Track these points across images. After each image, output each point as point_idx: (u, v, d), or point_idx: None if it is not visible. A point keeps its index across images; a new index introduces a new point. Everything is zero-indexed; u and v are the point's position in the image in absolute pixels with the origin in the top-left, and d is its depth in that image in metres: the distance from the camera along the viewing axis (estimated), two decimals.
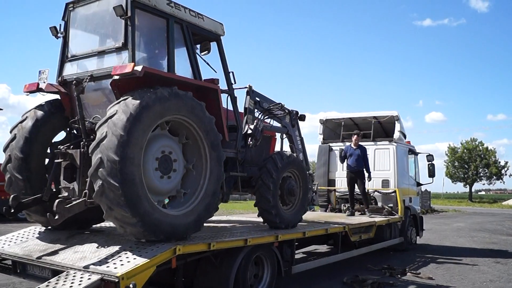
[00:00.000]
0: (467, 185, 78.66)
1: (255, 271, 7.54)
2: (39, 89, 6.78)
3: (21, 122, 6.81)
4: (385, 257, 12.55)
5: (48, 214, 5.93)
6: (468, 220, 29.60)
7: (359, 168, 12.53)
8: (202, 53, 7.57)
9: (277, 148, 9.85)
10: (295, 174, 8.84)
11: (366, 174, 12.58)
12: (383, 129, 14.62)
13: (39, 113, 6.83)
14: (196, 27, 7.08)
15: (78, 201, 6.00)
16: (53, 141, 7.02)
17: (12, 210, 6.40)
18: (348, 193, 13.83)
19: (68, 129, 7.11)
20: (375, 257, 12.15)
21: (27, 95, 7.00)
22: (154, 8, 6.39)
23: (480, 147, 76.96)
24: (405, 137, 14.89)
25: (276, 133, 9.87)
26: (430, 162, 15.10)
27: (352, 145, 12.69)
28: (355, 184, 12.78)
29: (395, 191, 13.22)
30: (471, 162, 75.95)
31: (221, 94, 7.38)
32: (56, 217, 5.78)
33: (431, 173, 15.16)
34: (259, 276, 7.59)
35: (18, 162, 6.59)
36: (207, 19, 7.27)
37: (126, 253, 5.67)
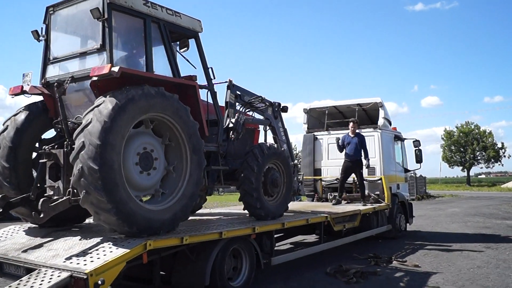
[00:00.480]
0: (465, 169, 78.68)
1: (233, 264, 7.54)
2: (23, 92, 6.97)
3: (15, 115, 7.04)
4: (373, 245, 12.49)
5: (33, 212, 6.19)
6: (464, 205, 29.56)
7: (356, 157, 12.47)
8: (182, 50, 7.83)
9: (261, 140, 9.94)
10: (278, 165, 8.96)
11: (364, 162, 12.49)
12: (368, 116, 14.54)
13: (19, 120, 6.99)
14: (174, 25, 7.21)
15: (62, 199, 6.17)
16: (42, 136, 7.25)
17: (1, 210, 6.67)
18: (337, 181, 13.87)
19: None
20: (362, 246, 12.13)
21: (12, 97, 7.22)
22: (131, 9, 6.52)
23: (476, 130, 76.88)
24: (390, 123, 14.80)
25: (260, 125, 9.96)
26: (417, 148, 15.02)
27: (350, 134, 12.62)
28: (350, 173, 12.72)
29: (381, 179, 13.17)
30: (467, 146, 75.91)
31: (202, 90, 7.61)
32: (41, 215, 5.99)
33: (419, 159, 15.08)
34: (238, 269, 7.58)
35: (7, 151, 6.82)
36: (184, 17, 7.40)
37: (97, 250, 5.73)
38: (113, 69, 5.85)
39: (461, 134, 76.43)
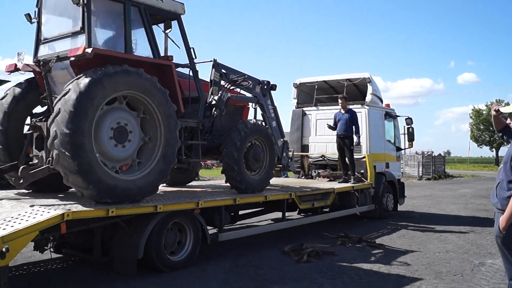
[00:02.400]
0: (493, 149, 76.82)
1: (179, 238, 7.50)
2: (16, 69, 7.65)
3: (2, 98, 7.76)
4: (353, 224, 12.35)
5: (13, 178, 7.29)
6: (478, 186, 28.87)
7: (346, 134, 12.18)
8: (167, 31, 8.26)
9: (251, 116, 10.36)
10: (261, 141, 9.38)
11: (355, 138, 12.21)
12: (360, 92, 14.12)
13: (17, 90, 7.74)
14: (155, 9, 7.71)
15: (42, 167, 6.85)
16: (33, 112, 7.93)
17: None
18: (322, 159, 13.67)
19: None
20: (342, 225, 11.99)
21: (9, 74, 7.89)
22: None
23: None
24: (381, 100, 14.37)
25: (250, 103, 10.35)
26: (409, 126, 14.52)
27: (341, 110, 12.32)
28: (344, 150, 12.42)
29: (364, 157, 12.84)
30: None
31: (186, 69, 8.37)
32: (21, 181, 6.75)
33: (411, 137, 14.58)
34: (182, 243, 7.52)
35: (1, 119, 7.55)
36: (166, 0, 7.86)
37: (18, 218, 5.74)
38: (86, 50, 6.40)
39: (490, 112, 74.29)
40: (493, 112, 5.08)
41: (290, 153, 11.07)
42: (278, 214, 11.22)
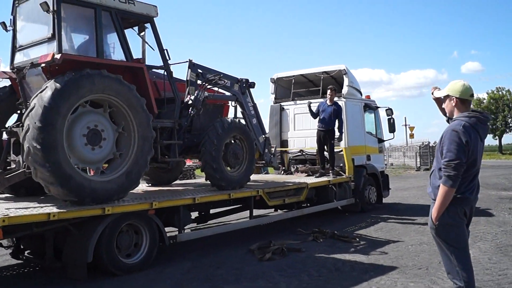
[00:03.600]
0: (496, 137, 76.21)
1: (135, 240, 7.34)
2: None
3: None
4: (332, 219, 12.15)
5: None
6: None
7: (328, 127, 11.94)
8: (141, 33, 8.41)
9: (231, 114, 10.49)
10: (239, 139, 9.54)
11: (337, 133, 12.00)
12: (339, 85, 13.85)
13: (1, 92, 7.94)
14: (126, 12, 7.78)
15: (18, 172, 7.10)
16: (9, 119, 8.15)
17: None
18: (301, 154, 13.46)
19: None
20: (321, 220, 11.81)
21: None
22: (80, 1, 7.18)
23: (508, 95, 74.01)
24: (360, 92, 14.11)
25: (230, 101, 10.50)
26: (390, 116, 14.25)
27: (328, 102, 12.06)
28: (325, 143, 12.20)
29: (341, 150, 12.61)
30: (498, 113, 73.16)
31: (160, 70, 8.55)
32: None
33: (392, 128, 14.34)
34: (138, 245, 7.35)
35: None
36: (138, 3, 7.95)
37: None
38: (55, 56, 6.57)
39: (491, 100, 73.69)
40: (432, 97, 4.83)
41: (272, 149, 11.05)
42: (258, 212, 11.17)
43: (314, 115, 12.18)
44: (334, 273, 7.12)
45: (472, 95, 4.38)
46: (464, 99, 4.36)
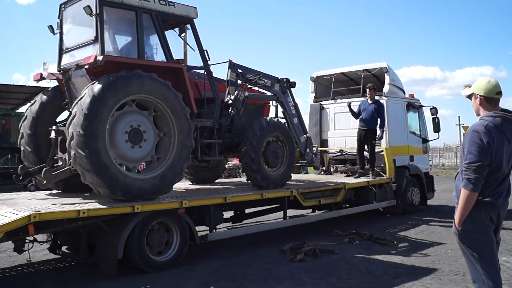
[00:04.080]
0: None
1: (166, 238, 7.41)
2: (42, 78, 8.18)
3: (31, 105, 8.34)
4: (373, 220, 11.94)
5: (37, 180, 7.95)
6: None
7: (369, 126, 11.74)
8: (181, 35, 8.67)
9: (272, 114, 10.61)
10: (279, 138, 9.57)
11: (378, 132, 11.80)
12: (380, 83, 13.52)
13: (44, 97, 8.30)
14: (167, 15, 8.01)
15: (63, 169, 7.25)
16: (57, 119, 8.45)
17: (21, 178, 8.15)
18: (341, 153, 13.27)
19: None
20: (359, 221, 11.60)
21: (36, 82, 8.64)
22: (122, 4, 7.39)
23: None
24: (403, 90, 13.77)
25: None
26: (434, 116, 13.82)
27: (368, 100, 11.87)
28: (365, 142, 11.98)
29: (382, 150, 12.34)
30: None
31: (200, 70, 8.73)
32: (44, 182, 7.16)
33: (436, 128, 13.92)
34: (169, 243, 7.41)
35: (28, 137, 8.14)
36: (178, 5, 8.15)
37: None
38: (98, 58, 6.78)
39: None
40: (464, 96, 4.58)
41: (314, 149, 11.02)
42: (296, 212, 11.18)
43: (356, 115, 11.97)
44: (365, 276, 6.96)
45: (499, 93, 4.10)
46: (489, 98, 4.11)
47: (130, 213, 6.77)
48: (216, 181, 11.27)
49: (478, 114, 4.26)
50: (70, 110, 7.00)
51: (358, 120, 11.96)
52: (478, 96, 4.16)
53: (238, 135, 9.33)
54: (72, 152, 6.53)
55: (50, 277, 7.10)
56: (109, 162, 6.65)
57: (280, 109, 10.52)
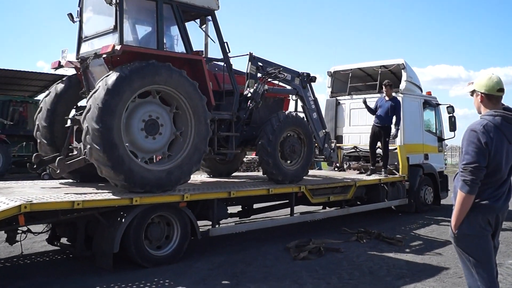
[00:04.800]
0: None
1: (167, 232, 7.27)
2: (60, 66, 8.16)
3: (46, 96, 8.30)
4: (384, 218, 11.72)
5: (50, 169, 8.10)
6: None
7: (383, 123, 11.51)
8: (202, 26, 8.61)
9: (291, 108, 10.51)
10: (297, 133, 9.51)
11: (393, 130, 11.56)
12: (398, 79, 13.25)
13: (59, 88, 8.25)
14: (188, 6, 7.93)
15: (78, 158, 7.25)
16: (76, 106, 8.45)
17: (35, 166, 8.12)
18: (355, 150, 13.07)
19: None
20: (370, 219, 11.47)
21: (54, 70, 8.50)
22: None
23: None
24: (420, 88, 13.48)
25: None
26: (451, 114, 13.50)
27: (385, 97, 11.64)
28: (378, 139, 11.77)
29: (396, 148, 12.07)
30: None
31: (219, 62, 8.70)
32: (58, 171, 7.18)
33: (453, 127, 13.59)
34: (170, 237, 7.28)
35: (44, 129, 8.14)
36: None
37: None
38: (116, 47, 6.74)
39: None
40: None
41: (333, 144, 10.92)
42: (307, 208, 11.14)
43: (372, 111, 11.74)
44: (367, 277, 6.77)
45: (500, 90, 3.88)
46: (490, 95, 3.90)
47: (128, 205, 6.64)
48: (234, 174, 11.23)
49: (479, 112, 4.06)
50: (86, 102, 6.94)
51: (374, 116, 11.71)
52: (479, 93, 3.97)
53: (256, 128, 9.27)
54: (88, 146, 6.51)
55: (44, 269, 6.97)
56: (126, 156, 6.64)
57: (299, 103, 10.43)
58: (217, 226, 8.07)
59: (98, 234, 6.82)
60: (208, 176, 10.80)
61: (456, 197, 3.90)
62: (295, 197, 9.26)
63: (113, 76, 6.60)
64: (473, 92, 4.05)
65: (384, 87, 11.55)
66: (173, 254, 7.20)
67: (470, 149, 3.74)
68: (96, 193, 6.84)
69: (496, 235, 4.06)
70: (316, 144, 10.31)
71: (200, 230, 7.65)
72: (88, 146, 6.49)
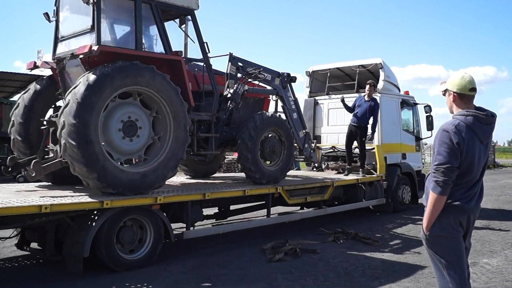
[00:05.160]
0: None
1: (139, 236, 7.14)
2: (36, 66, 7.98)
3: (24, 93, 8.12)
4: (361, 218, 11.70)
5: (26, 171, 7.84)
6: None
7: (360, 123, 11.40)
8: (182, 26, 8.52)
9: (272, 109, 10.49)
10: (278, 133, 9.45)
11: (369, 131, 11.51)
12: (376, 79, 13.21)
13: (38, 86, 8.08)
14: (167, 5, 7.84)
15: (54, 161, 7.12)
16: (54, 106, 8.27)
17: (9, 169, 7.85)
18: (333, 150, 13.04)
19: None
20: (347, 219, 11.41)
21: (30, 71, 8.40)
22: None
23: None
24: (398, 87, 13.48)
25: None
26: (428, 114, 13.53)
27: (365, 97, 11.53)
28: (355, 139, 11.69)
29: (374, 148, 12.06)
30: None
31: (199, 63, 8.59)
32: (33, 174, 6.96)
33: (430, 126, 13.62)
34: (142, 241, 7.14)
35: (19, 126, 7.92)
36: None
37: None
38: (93, 48, 6.63)
39: None
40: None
41: (313, 145, 10.88)
42: (285, 209, 11.02)
43: (350, 109, 11.65)
44: (342, 278, 6.71)
45: (473, 89, 3.82)
46: (463, 94, 3.83)
47: (99, 208, 6.50)
48: (214, 175, 11.14)
49: (451, 112, 4.00)
50: (64, 99, 6.81)
51: (351, 115, 11.66)
52: (452, 92, 3.90)
53: (236, 129, 9.18)
54: (63, 142, 6.37)
55: (13, 275, 6.82)
56: (101, 154, 6.50)
57: (280, 103, 10.37)
58: (192, 228, 7.96)
59: (68, 238, 6.66)
60: (188, 177, 10.68)
61: (428, 198, 3.84)
62: (272, 198, 9.19)
63: (95, 73, 6.51)
64: (445, 92, 3.99)
65: (368, 86, 11.43)
66: (146, 257, 7.06)
67: (442, 149, 3.68)
68: (71, 196, 6.70)
69: (468, 236, 4.01)
70: (296, 145, 10.25)
71: (175, 233, 7.55)
72: (63, 141, 6.35)
